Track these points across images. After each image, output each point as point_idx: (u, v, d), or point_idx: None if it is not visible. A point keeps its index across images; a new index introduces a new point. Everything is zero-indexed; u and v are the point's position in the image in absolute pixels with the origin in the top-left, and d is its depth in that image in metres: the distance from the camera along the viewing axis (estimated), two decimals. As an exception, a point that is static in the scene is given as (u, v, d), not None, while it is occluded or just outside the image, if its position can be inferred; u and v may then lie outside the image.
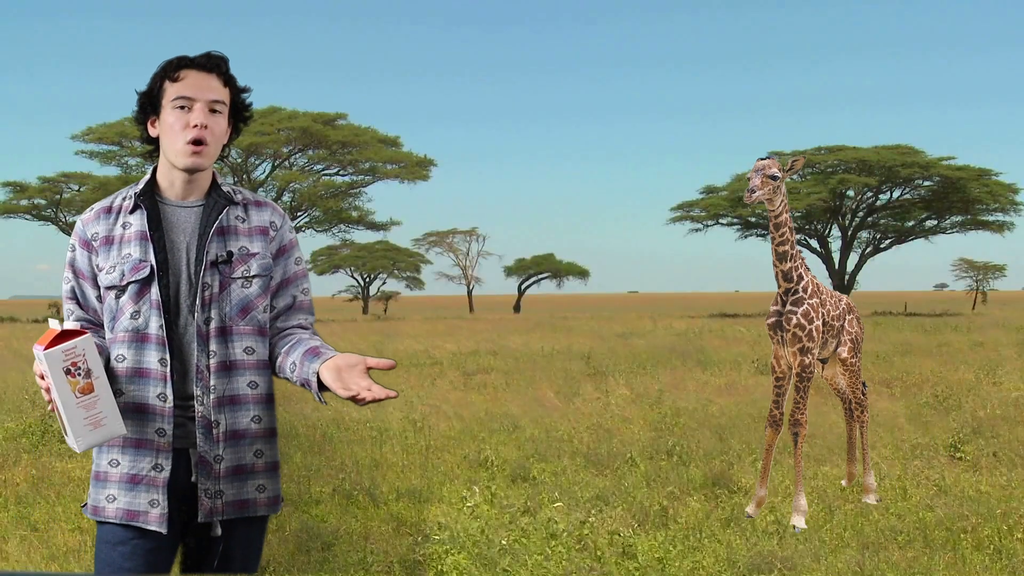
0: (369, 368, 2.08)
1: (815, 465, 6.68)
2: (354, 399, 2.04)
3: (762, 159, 5.23)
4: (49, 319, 2.13)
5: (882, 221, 49.58)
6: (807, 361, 5.43)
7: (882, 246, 49.77)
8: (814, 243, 50.04)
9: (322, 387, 2.14)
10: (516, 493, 5.87)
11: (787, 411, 5.60)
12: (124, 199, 2.27)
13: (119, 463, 2.19)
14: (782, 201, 5.34)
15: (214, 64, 2.25)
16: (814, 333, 5.42)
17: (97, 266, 2.23)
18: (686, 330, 24.98)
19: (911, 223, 49.29)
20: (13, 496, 5.71)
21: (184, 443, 2.21)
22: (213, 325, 2.21)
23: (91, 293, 2.25)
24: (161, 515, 2.18)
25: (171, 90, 2.22)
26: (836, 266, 48.84)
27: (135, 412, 2.17)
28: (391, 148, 46.69)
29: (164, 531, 2.18)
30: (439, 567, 4.40)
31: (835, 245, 49.42)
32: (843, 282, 48.53)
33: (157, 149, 2.28)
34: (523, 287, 68.35)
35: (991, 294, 70.54)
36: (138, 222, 2.23)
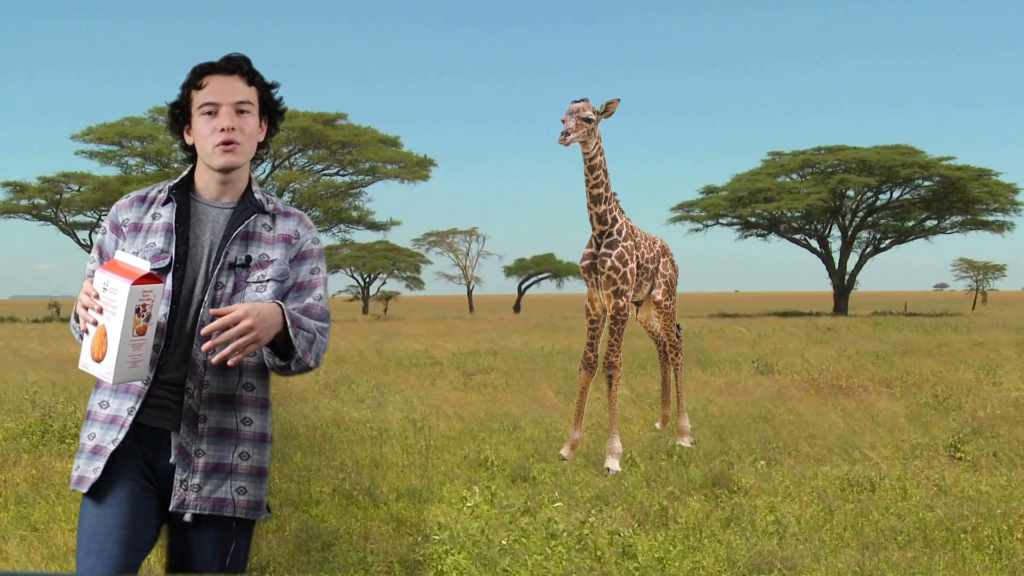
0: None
1: (815, 465, 6.68)
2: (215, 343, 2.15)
3: (576, 102, 5.23)
4: (118, 252, 2.20)
5: (882, 221, 49.57)
6: (621, 303, 5.43)
7: (882, 246, 49.76)
8: (814, 243, 50.05)
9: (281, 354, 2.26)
10: (516, 493, 5.87)
11: (602, 353, 5.57)
12: (160, 191, 2.34)
13: (95, 436, 2.28)
14: (596, 144, 5.33)
15: (235, 66, 2.30)
16: (628, 276, 5.42)
17: (123, 250, 2.28)
18: (686, 330, 24.96)
19: (911, 223, 49.28)
20: (13, 496, 5.71)
21: (167, 425, 2.25)
22: None
23: None
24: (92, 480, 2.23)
25: (197, 98, 2.29)
26: (836, 266, 48.82)
27: (122, 392, 2.25)
28: (391, 148, 46.69)
29: (83, 489, 2.23)
30: (439, 567, 4.40)
31: (835, 245, 49.47)
32: (843, 282, 48.51)
33: (195, 155, 2.35)
34: (523, 287, 68.34)
35: (991, 294, 70.54)
36: (167, 214, 2.29)
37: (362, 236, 59.00)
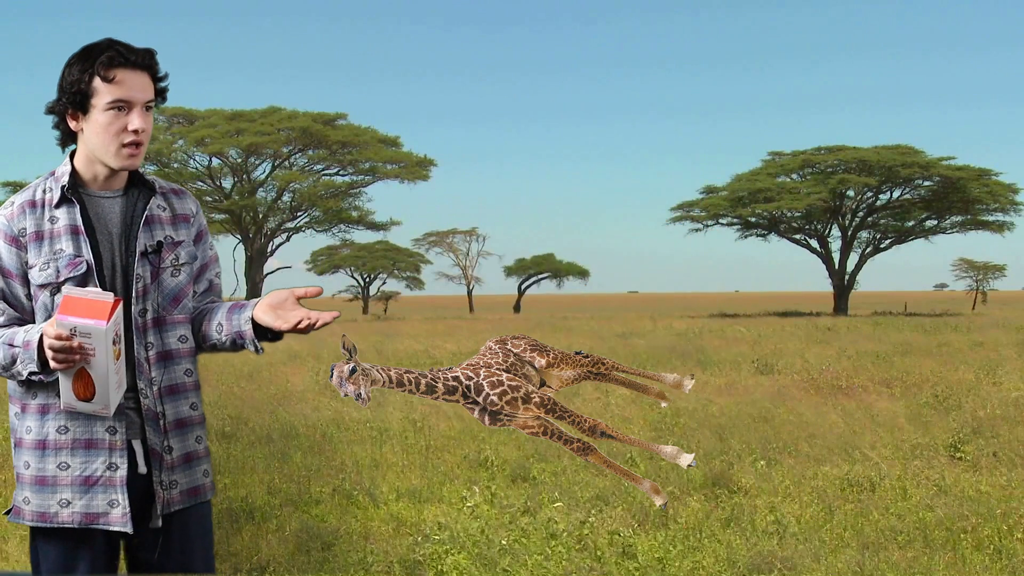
0: (299, 298, 2.17)
1: (815, 465, 6.68)
2: (297, 329, 2.11)
3: (335, 366, 5.09)
4: (65, 287, 2.07)
5: (882, 221, 49.61)
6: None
7: (882, 246, 49.80)
8: (814, 243, 50.09)
9: (259, 336, 2.20)
10: (516, 493, 5.88)
11: None
12: (46, 192, 2.19)
13: (69, 466, 2.12)
14: (382, 374, 5.12)
15: (147, 63, 2.16)
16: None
17: (27, 263, 2.14)
18: (686, 330, 24.99)
19: (911, 223, 49.32)
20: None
21: (130, 435, 2.16)
22: (149, 316, 2.19)
23: (21, 292, 2.15)
24: (124, 514, 2.12)
25: (106, 91, 2.12)
26: (836, 266, 48.85)
27: (82, 414, 2.11)
28: (391, 148, 46.76)
29: (130, 530, 2.13)
30: (439, 567, 4.40)
31: (835, 245, 49.51)
32: (843, 282, 48.55)
33: (72, 139, 2.19)
34: (523, 287, 68.37)
35: (991, 294, 70.58)
36: (66, 216, 2.16)
37: (362, 236, 59.03)
